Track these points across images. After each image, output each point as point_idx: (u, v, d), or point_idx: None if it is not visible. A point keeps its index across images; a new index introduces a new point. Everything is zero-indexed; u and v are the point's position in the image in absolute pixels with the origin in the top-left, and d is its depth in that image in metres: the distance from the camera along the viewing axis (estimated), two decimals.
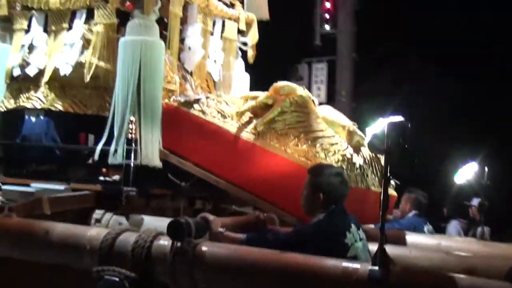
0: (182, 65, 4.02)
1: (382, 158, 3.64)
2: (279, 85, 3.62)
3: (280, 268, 2.12)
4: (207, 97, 3.63)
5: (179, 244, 2.24)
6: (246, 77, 4.81)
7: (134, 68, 3.38)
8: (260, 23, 4.98)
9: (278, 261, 2.14)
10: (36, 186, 3.38)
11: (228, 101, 3.67)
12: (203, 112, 3.49)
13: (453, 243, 3.54)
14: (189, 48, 4.00)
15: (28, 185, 3.40)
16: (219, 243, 2.37)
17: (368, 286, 1.93)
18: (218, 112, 3.50)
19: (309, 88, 9.93)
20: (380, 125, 2.09)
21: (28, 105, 3.81)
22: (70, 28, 3.75)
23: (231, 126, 3.45)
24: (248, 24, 4.76)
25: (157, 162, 3.41)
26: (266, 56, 5.23)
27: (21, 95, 3.88)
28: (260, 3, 5.10)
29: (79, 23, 3.72)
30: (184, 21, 4.01)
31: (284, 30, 8.96)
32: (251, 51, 4.81)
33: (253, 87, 4.82)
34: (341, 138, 3.50)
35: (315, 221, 2.48)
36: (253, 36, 4.78)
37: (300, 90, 3.65)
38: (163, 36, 3.72)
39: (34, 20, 3.91)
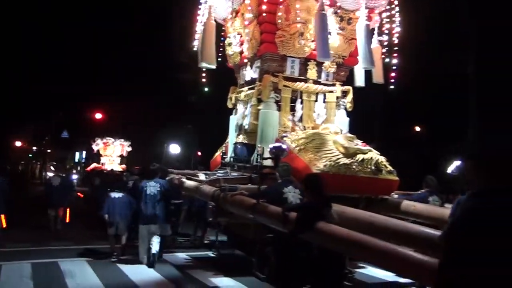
0: (293, 117, 7.91)
1: (374, 159, 6.75)
2: (324, 126, 7.22)
3: (246, 203, 5.91)
4: (290, 134, 7.46)
5: (222, 194, 6.33)
6: (346, 119, 8.21)
7: (261, 122, 7.62)
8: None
9: (245, 199, 5.93)
10: (232, 174, 7.95)
11: (301, 134, 7.39)
12: (285, 140, 7.35)
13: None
14: (295, 111, 7.89)
15: (227, 172, 8.00)
16: (234, 195, 6.25)
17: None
18: (290, 139, 7.29)
19: None
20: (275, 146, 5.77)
21: (239, 140, 8.47)
22: (246, 108, 8.29)
23: (293, 144, 7.17)
24: (347, 92, 8.21)
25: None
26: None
27: (238, 137, 8.58)
28: (379, 73, 8.42)
29: (249, 105, 8.23)
30: (295, 97, 7.93)
31: None
32: (349, 105, 8.21)
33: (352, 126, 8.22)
34: (337, 151, 6.75)
35: (275, 184, 6.13)
36: (349, 97, 8.19)
37: (331, 129, 7.12)
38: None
39: (241, 105, 8.64)
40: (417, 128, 18.55)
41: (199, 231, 10.69)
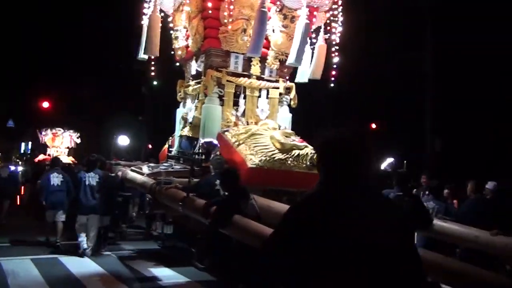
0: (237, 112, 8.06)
1: (310, 155, 6.94)
2: (262, 121, 7.40)
3: (177, 196, 6.07)
4: (231, 128, 7.61)
5: (158, 186, 6.47)
6: (289, 115, 8.42)
7: (204, 117, 7.74)
8: None
9: (177, 192, 6.09)
10: (175, 167, 8.07)
11: (241, 129, 7.55)
12: (226, 135, 7.50)
13: None
14: (238, 106, 8.05)
15: (171, 165, 8.11)
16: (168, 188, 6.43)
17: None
18: (231, 134, 7.44)
19: None
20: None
21: (183, 133, 8.58)
22: (193, 102, 8.39)
23: (233, 139, 7.32)
24: (290, 88, 8.41)
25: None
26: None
27: (183, 130, 8.67)
28: (318, 70, 8.62)
29: (195, 100, 8.33)
30: (239, 92, 8.08)
31: None
32: (293, 101, 8.41)
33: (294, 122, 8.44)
34: (273, 146, 6.94)
35: (207, 177, 6.28)
36: (292, 94, 8.41)
37: (270, 125, 7.30)
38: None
39: (190, 99, 8.72)
40: (373, 125, 19.08)
41: (154, 223, 10.80)
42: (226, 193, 5.64)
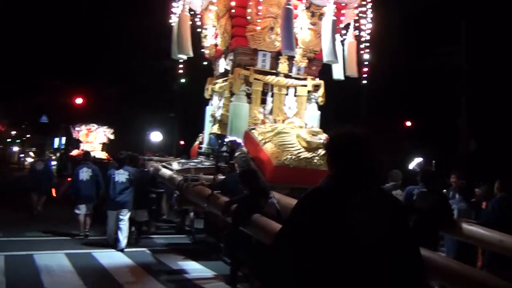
0: (264, 110, 8.10)
1: None
2: (289, 120, 7.43)
3: (202, 194, 6.18)
4: (258, 126, 7.65)
5: (186, 183, 6.58)
6: (317, 113, 8.40)
7: (231, 114, 7.83)
8: None
9: (203, 190, 6.21)
10: (204, 163, 8.18)
11: (268, 127, 7.59)
12: (252, 133, 7.55)
13: None
14: (266, 104, 8.08)
15: (201, 162, 8.23)
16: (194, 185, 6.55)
17: None
18: (257, 132, 7.49)
19: None
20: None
21: (213, 131, 8.69)
22: (220, 100, 8.48)
23: (260, 137, 7.36)
24: (318, 85, 8.38)
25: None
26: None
27: (212, 127, 8.79)
28: (352, 66, 8.56)
29: (222, 98, 8.42)
30: (267, 90, 8.11)
31: None
32: (321, 99, 8.38)
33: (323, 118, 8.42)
34: (299, 145, 6.95)
35: (233, 173, 6.35)
36: (321, 91, 8.37)
37: (296, 123, 7.32)
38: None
39: (217, 97, 8.83)
40: (408, 123, 18.68)
41: (187, 218, 10.98)
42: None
